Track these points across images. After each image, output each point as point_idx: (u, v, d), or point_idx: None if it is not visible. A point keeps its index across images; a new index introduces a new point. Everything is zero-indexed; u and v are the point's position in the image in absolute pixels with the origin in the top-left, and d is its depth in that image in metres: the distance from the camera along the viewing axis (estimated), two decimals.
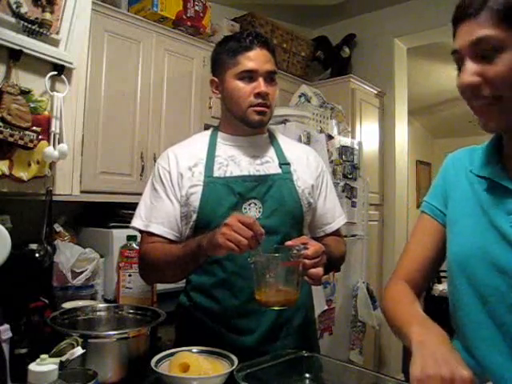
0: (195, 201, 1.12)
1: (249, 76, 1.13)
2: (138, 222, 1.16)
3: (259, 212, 1.12)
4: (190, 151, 1.20)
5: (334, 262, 1.18)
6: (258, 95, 1.12)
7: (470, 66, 0.72)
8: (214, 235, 0.92)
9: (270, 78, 1.15)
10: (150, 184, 1.20)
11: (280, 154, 1.22)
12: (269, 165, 1.19)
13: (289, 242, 0.96)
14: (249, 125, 1.16)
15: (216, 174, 1.14)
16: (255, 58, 1.13)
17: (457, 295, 0.84)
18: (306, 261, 0.94)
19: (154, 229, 1.13)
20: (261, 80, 1.13)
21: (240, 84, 1.13)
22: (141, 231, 1.17)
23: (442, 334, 0.71)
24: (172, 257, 1.06)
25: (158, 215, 1.14)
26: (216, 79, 1.20)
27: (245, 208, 1.12)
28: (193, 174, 1.15)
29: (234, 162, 1.17)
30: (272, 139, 1.25)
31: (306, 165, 1.24)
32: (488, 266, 0.77)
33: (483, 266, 0.78)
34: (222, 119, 1.25)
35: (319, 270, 0.96)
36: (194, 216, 1.13)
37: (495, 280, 0.76)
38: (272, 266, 0.92)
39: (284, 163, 1.20)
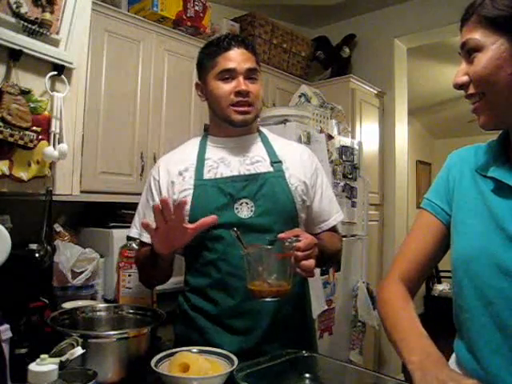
0: (187, 204, 1.13)
1: (228, 75, 1.14)
2: (133, 231, 1.25)
3: (251, 211, 1.12)
4: (181, 157, 1.22)
5: (328, 257, 1.18)
6: (238, 94, 1.13)
7: (462, 66, 0.79)
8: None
9: (250, 75, 1.15)
10: (144, 193, 1.25)
11: (271, 152, 1.22)
12: (260, 164, 1.19)
13: (282, 235, 0.98)
14: (232, 124, 1.17)
15: (206, 176, 1.15)
16: (233, 58, 1.14)
17: (462, 296, 0.84)
18: (298, 253, 0.96)
19: (145, 238, 1.19)
20: (241, 78, 1.14)
21: (220, 84, 1.15)
22: (136, 239, 1.25)
23: (440, 358, 0.71)
24: (145, 259, 1.16)
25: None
26: (199, 82, 1.23)
27: (236, 208, 1.12)
28: (183, 179, 1.16)
29: (224, 163, 1.18)
30: (263, 138, 1.25)
31: (299, 163, 1.23)
32: (493, 268, 0.76)
33: (488, 268, 0.77)
34: (211, 122, 1.26)
35: (311, 262, 0.98)
36: (186, 219, 1.13)
37: (501, 282, 0.75)
38: (264, 257, 0.94)
39: (275, 161, 1.19)
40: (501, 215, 0.78)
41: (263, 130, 1.30)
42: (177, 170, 1.18)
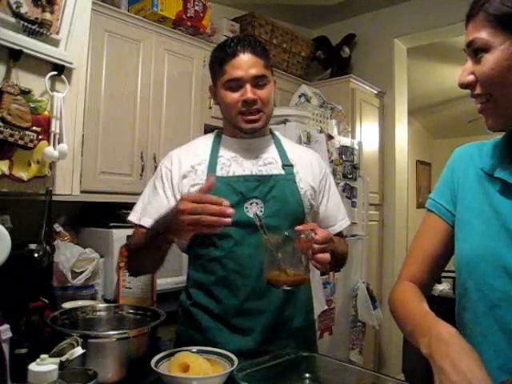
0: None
1: (235, 84, 1.13)
2: (133, 215, 1.19)
3: (260, 211, 1.12)
4: (194, 152, 1.22)
5: (337, 257, 1.18)
6: (245, 103, 1.13)
7: (468, 65, 0.76)
8: (170, 220, 0.95)
9: (258, 82, 1.14)
10: (151, 182, 1.23)
11: (283, 155, 1.23)
12: (271, 166, 1.20)
13: (299, 227, 0.98)
14: (241, 131, 1.18)
15: (219, 173, 1.15)
16: (239, 65, 1.12)
17: (466, 298, 0.82)
18: (315, 245, 0.96)
19: (146, 222, 1.15)
20: (248, 87, 1.12)
21: (228, 93, 1.14)
22: (135, 225, 1.19)
23: (450, 337, 0.68)
24: (140, 244, 1.10)
25: (153, 211, 1.15)
26: (212, 86, 1.23)
27: (246, 207, 1.12)
28: (195, 173, 1.16)
29: (237, 162, 1.18)
30: (275, 141, 1.27)
31: (309, 167, 1.25)
32: (498, 270, 0.75)
33: (493, 270, 0.76)
34: (224, 122, 1.27)
35: (327, 256, 0.99)
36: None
37: (505, 285, 0.74)
38: (283, 246, 0.94)
39: (287, 164, 1.21)
40: (507, 216, 0.76)
41: (276, 132, 1.31)
42: (189, 164, 1.18)
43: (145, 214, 1.17)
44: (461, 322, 0.86)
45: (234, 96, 1.14)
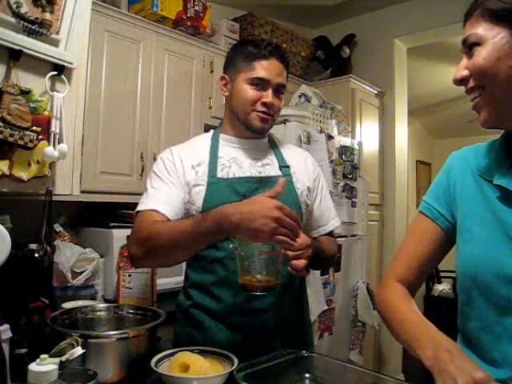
0: (198, 200, 1.13)
1: (260, 84, 1.15)
2: (140, 207, 1.11)
3: None
4: (193, 151, 1.21)
5: (324, 259, 1.19)
6: (264, 104, 1.15)
7: (463, 61, 0.77)
8: (249, 219, 0.88)
9: (279, 90, 1.18)
10: (153, 174, 1.17)
11: (280, 157, 1.25)
12: (269, 167, 1.21)
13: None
14: (250, 129, 1.19)
15: (219, 174, 1.15)
16: (270, 68, 1.15)
17: (471, 306, 0.81)
18: (289, 252, 0.97)
19: (155, 205, 1.08)
20: (270, 91, 1.16)
21: (249, 89, 1.16)
22: (138, 212, 1.11)
23: (450, 347, 0.70)
24: (180, 236, 0.98)
25: (160, 196, 1.10)
26: (226, 77, 1.22)
27: None
28: (196, 173, 1.15)
29: (237, 163, 1.19)
30: (271, 143, 1.28)
31: (303, 168, 1.27)
32: (503, 278, 0.74)
33: (497, 279, 0.75)
34: (225, 120, 1.26)
35: (301, 262, 0.99)
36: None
37: (510, 293, 0.73)
38: (253, 252, 0.96)
39: (284, 166, 1.22)
40: (509, 223, 0.75)
41: (272, 134, 1.32)
42: (189, 163, 1.16)
43: (153, 200, 1.10)
44: (465, 330, 0.84)
45: (255, 94, 1.15)
